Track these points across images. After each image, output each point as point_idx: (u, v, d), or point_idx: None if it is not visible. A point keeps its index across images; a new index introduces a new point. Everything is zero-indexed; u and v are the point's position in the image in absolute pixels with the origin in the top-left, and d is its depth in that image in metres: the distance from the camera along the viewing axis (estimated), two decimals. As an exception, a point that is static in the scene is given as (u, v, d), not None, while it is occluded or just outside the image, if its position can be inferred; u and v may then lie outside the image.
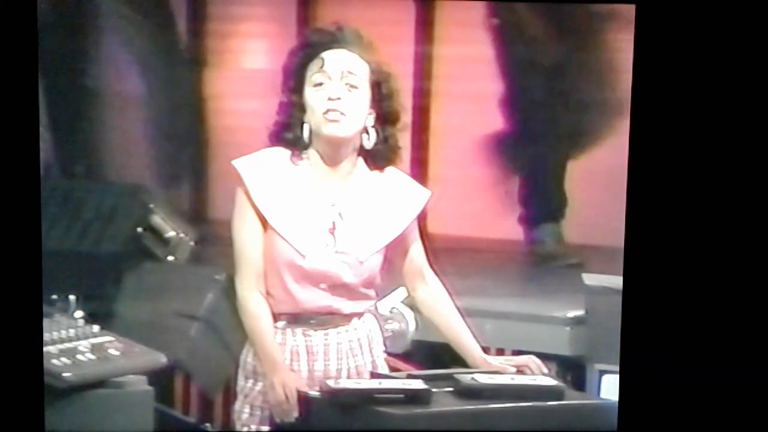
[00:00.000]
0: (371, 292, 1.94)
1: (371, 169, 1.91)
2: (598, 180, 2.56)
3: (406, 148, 1.96)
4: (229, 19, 2.90)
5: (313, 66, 1.86)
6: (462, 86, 2.69)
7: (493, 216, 2.77)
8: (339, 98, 1.85)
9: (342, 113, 1.85)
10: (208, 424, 2.37)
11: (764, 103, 1.95)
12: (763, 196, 1.96)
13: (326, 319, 1.91)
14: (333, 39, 1.87)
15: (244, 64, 2.92)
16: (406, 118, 1.94)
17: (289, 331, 1.90)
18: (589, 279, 2.33)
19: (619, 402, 1.93)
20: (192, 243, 2.57)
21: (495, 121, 2.76)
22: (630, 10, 1.92)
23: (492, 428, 1.80)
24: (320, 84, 1.86)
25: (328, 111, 1.85)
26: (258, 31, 2.88)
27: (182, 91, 2.82)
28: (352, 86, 1.86)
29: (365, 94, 1.87)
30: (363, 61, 1.87)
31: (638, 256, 1.95)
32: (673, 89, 1.94)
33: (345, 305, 1.91)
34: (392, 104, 1.89)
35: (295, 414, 1.86)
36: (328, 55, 1.86)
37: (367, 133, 1.88)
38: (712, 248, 1.96)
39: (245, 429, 1.92)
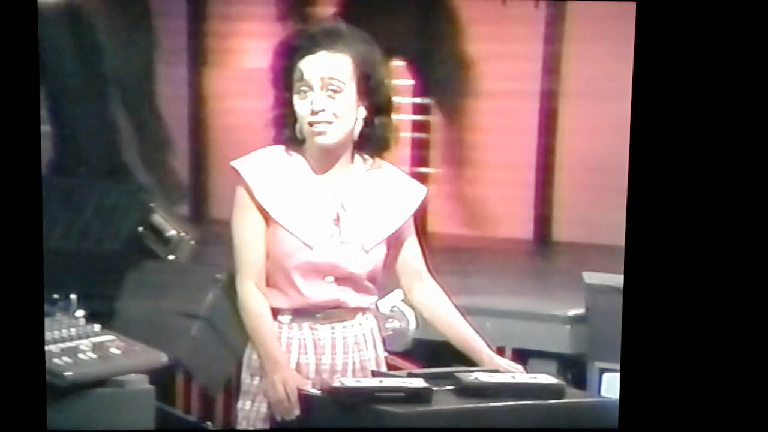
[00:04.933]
0: (374, 288, 1.94)
1: (368, 158, 1.91)
2: (598, 178, 2.56)
3: (406, 145, 1.94)
4: (229, 18, 2.90)
5: (295, 75, 1.85)
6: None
7: (494, 215, 2.77)
8: (323, 109, 1.84)
9: (327, 122, 1.85)
10: (209, 423, 2.37)
11: (766, 100, 1.95)
12: (764, 194, 1.96)
13: (332, 312, 1.90)
14: (312, 42, 1.85)
15: (245, 63, 2.92)
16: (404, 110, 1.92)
17: (295, 325, 1.90)
18: (590, 277, 2.33)
19: (620, 400, 1.93)
20: (193, 242, 2.57)
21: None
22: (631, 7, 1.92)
23: (493, 427, 1.80)
24: (304, 92, 1.84)
25: (313, 122, 1.85)
26: (258, 30, 2.88)
27: (184, 91, 2.82)
28: (334, 91, 1.85)
29: (351, 93, 1.85)
30: (345, 57, 1.85)
31: (639, 255, 1.95)
32: (674, 86, 1.94)
33: (351, 298, 1.91)
34: (382, 93, 1.88)
35: (296, 412, 1.86)
36: (305, 64, 1.84)
37: (358, 125, 1.87)
38: (712, 246, 1.96)
39: (249, 427, 1.92)
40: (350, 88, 1.86)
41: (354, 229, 1.89)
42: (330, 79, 1.84)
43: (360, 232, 1.89)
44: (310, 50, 1.85)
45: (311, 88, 1.84)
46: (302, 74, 1.85)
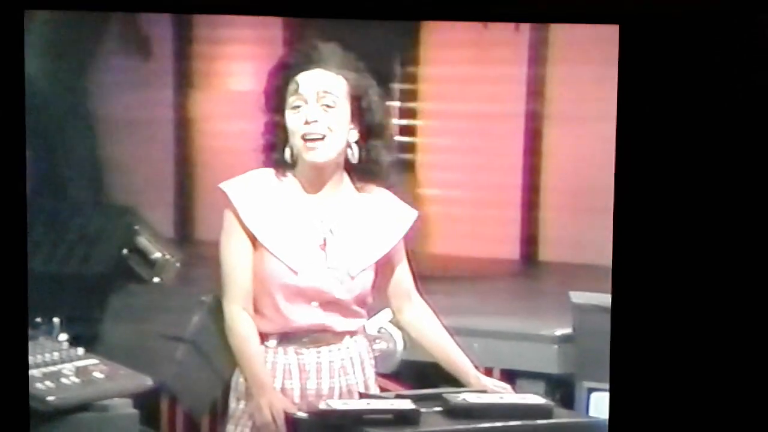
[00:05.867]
0: (363, 311, 1.95)
1: (358, 186, 1.92)
2: (584, 199, 2.58)
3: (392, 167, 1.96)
4: (216, 41, 2.91)
5: (290, 89, 1.87)
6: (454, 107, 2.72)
7: (480, 235, 2.78)
8: (316, 120, 1.86)
9: (320, 136, 1.86)
10: (194, 447, 2.34)
11: (750, 122, 1.98)
12: (752, 213, 1.98)
13: (318, 336, 1.91)
14: (307, 59, 1.89)
15: (231, 85, 2.92)
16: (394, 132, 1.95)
17: (281, 349, 1.90)
18: (577, 297, 2.34)
19: (609, 419, 1.93)
20: (178, 264, 2.56)
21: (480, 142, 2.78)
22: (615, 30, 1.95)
23: (481, 447, 1.80)
24: (298, 107, 1.87)
25: (306, 135, 1.86)
26: (245, 53, 2.89)
27: (169, 113, 2.82)
28: (328, 106, 1.87)
29: (344, 111, 1.88)
30: (340, 77, 1.88)
31: (626, 274, 1.96)
32: (658, 108, 1.97)
33: (337, 323, 1.91)
34: (374, 117, 1.90)
35: (283, 436, 1.85)
36: (302, 77, 1.87)
37: (351, 148, 1.89)
38: (700, 266, 1.98)
39: None
40: (344, 107, 1.88)
41: (340, 254, 1.89)
42: (325, 93, 1.86)
43: (346, 257, 1.89)
44: (306, 67, 1.87)
45: (306, 101, 1.86)
46: (298, 87, 1.87)
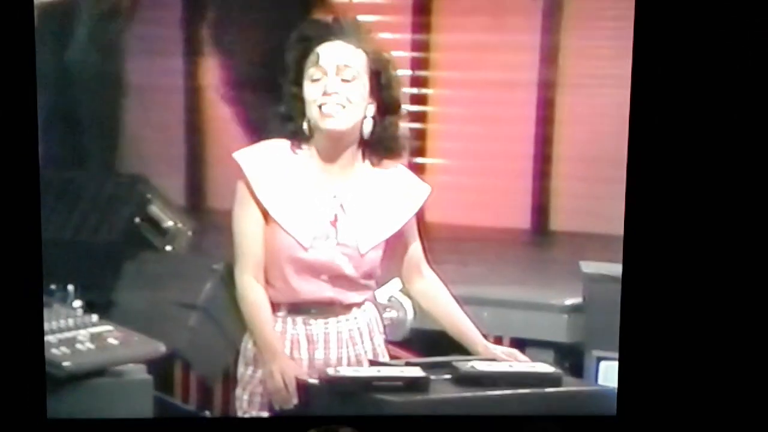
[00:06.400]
0: (371, 283, 1.96)
1: (373, 161, 1.92)
2: (596, 168, 2.57)
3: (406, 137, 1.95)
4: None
5: (310, 61, 1.87)
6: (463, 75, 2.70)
7: (491, 204, 2.78)
8: (336, 92, 1.86)
9: (339, 106, 1.86)
10: (207, 412, 2.38)
11: (764, 88, 1.95)
12: (763, 184, 1.96)
13: (326, 308, 1.92)
14: (328, 31, 1.88)
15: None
16: (406, 106, 1.95)
17: (289, 319, 1.92)
18: (587, 267, 2.34)
19: (618, 387, 1.94)
20: (190, 233, 2.57)
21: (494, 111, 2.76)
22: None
23: (490, 415, 1.81)
24: (317, 79, 1.86)
25: (324, 105, 1.86)
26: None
27: (179, 81, 2.81)
28: (347, 80, 1.86)
29: (363, 85, 1.88)
30: (360, 51, 1.88)
31: (637, 244, 1.96)
32: (673, 76, 1.95)
33: (345, 296, 1.93)
34: (392, 93, 1.90)
35: (294, 401, 1.87)
36: (323, 49, 1.86)
37: (367, 122, 1.89)
38: (710, 236, 1.97)
39: (245, 416, 1.93)
40: (362, 81, 1.88)
41: (351, 231, 1.90)
42: (345, 67, 1.86)
43: (357, 234, 1.90)
44: (326, 38, 1.87)
45: (326, 73, 1.86)
46: (318, 59, 1.86)
